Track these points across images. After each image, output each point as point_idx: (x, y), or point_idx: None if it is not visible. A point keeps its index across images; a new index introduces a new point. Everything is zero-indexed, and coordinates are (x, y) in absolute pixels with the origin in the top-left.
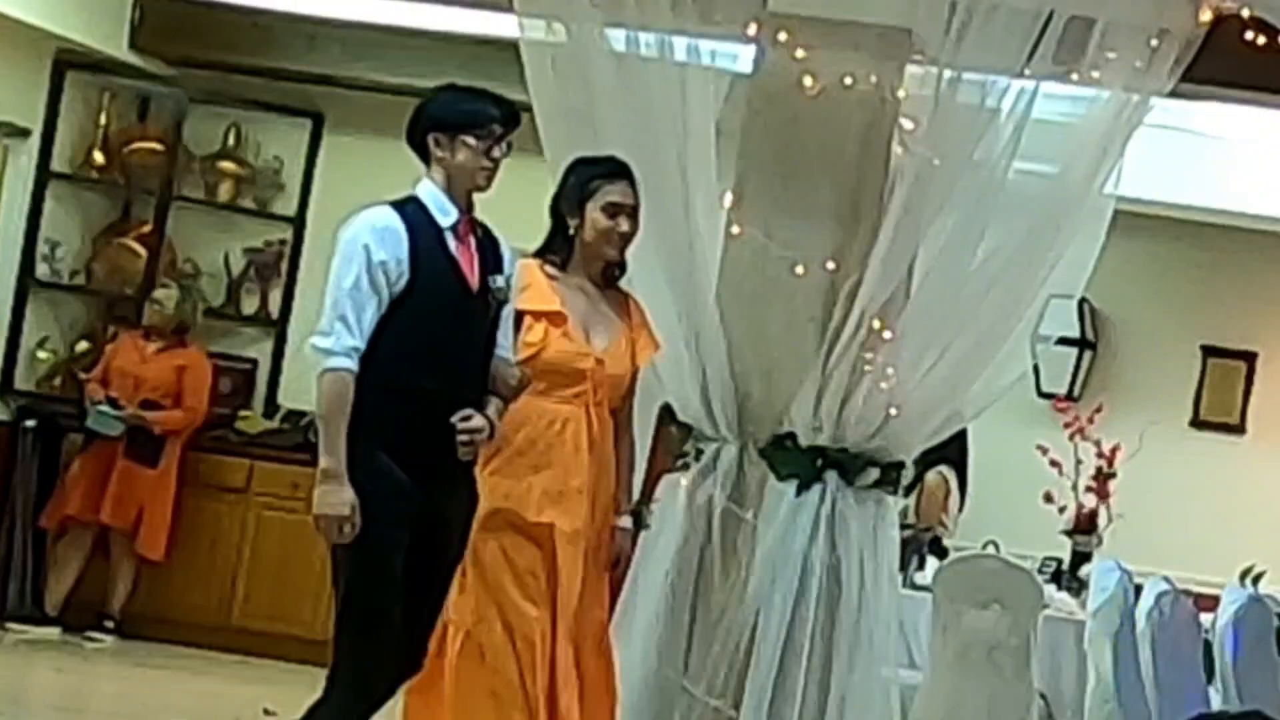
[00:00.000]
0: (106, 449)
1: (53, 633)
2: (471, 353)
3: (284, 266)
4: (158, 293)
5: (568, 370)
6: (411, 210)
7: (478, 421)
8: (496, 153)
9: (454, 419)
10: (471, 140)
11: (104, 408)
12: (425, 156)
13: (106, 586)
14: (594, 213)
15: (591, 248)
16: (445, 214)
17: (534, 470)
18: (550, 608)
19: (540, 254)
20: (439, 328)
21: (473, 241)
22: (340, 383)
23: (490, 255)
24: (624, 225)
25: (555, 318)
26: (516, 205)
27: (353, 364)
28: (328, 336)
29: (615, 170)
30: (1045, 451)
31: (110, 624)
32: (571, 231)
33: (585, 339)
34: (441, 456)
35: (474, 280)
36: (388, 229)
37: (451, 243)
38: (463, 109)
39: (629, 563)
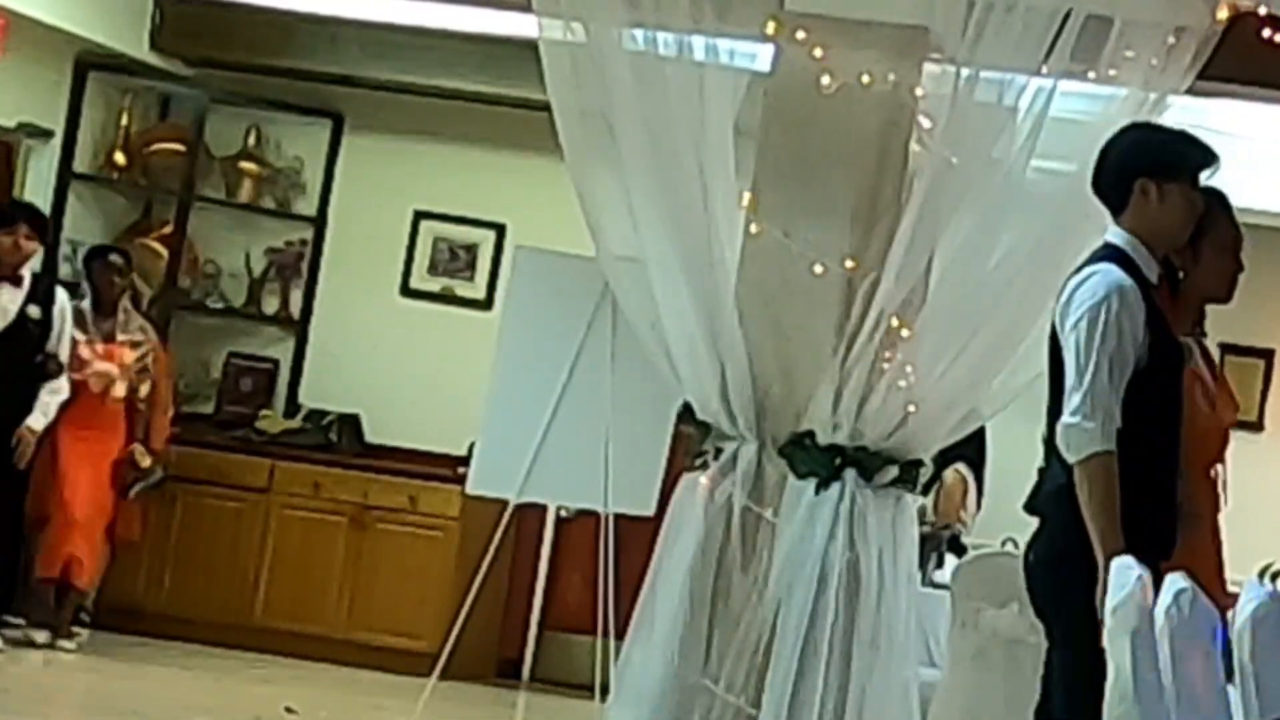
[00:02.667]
0: None
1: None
2: (1177, 425)
3: (305, 266)
4: None
5: (1200, 434)
6: (1123, 265)
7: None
8: (1200, 203)
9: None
10: (1183, 188)
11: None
12: (1118, 202)
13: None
14: (1210, 250)
15: (1199, 292)
16: (1150, 271)
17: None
18: None
19: None
20: (1167, 398)
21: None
22: (1110, 469)
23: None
24: (1239, 263)
25: (1189, 373)
26: (539, 208)
27: (1114, 445)
28: (1091, 419)
29: (1225, 199)
30: None
31: (87, 616)
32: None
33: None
34: (1170, 545)
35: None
36: (1133, 290)
37: (1156, 302)
38: (1182, 152)
39: None
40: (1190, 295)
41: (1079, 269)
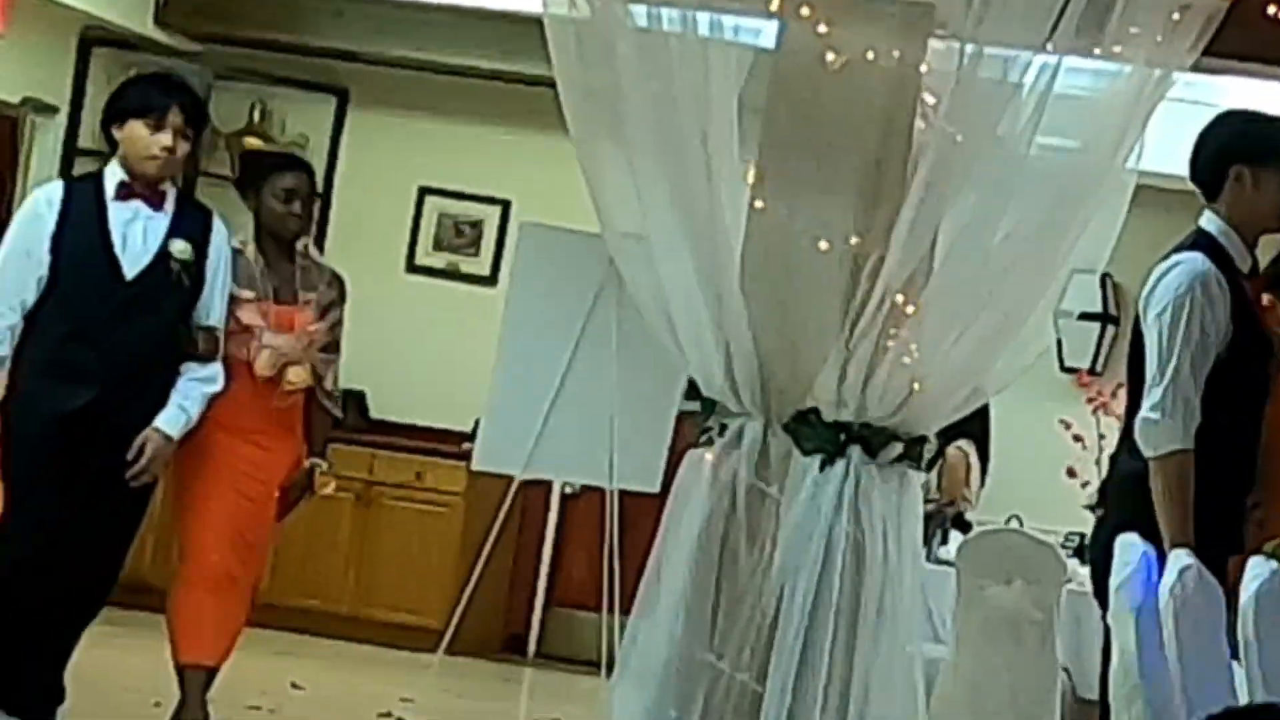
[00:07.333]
0: None
1: None
2: (1257, 420)
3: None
4: None
5: None
6: (1212, 252)
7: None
8: None
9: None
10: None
11: None
12: (1214, 188)
13: None
14: None
15: None
16: (1242, 259)
17: None
18: None
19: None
20: (1246, 391)
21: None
22: (1187, 466)
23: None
24: None
25: None
26: (544, 184)
27: (1192, 443)
28: (1172, 416)
29: None
30: (1068, 426)
31: None
32: None
33: None
34: (1236, 541)
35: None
36: (1216, 279)
37: (1247, 292)
38: (1278, 138)
39: None
40: None
41: (1166, 255)
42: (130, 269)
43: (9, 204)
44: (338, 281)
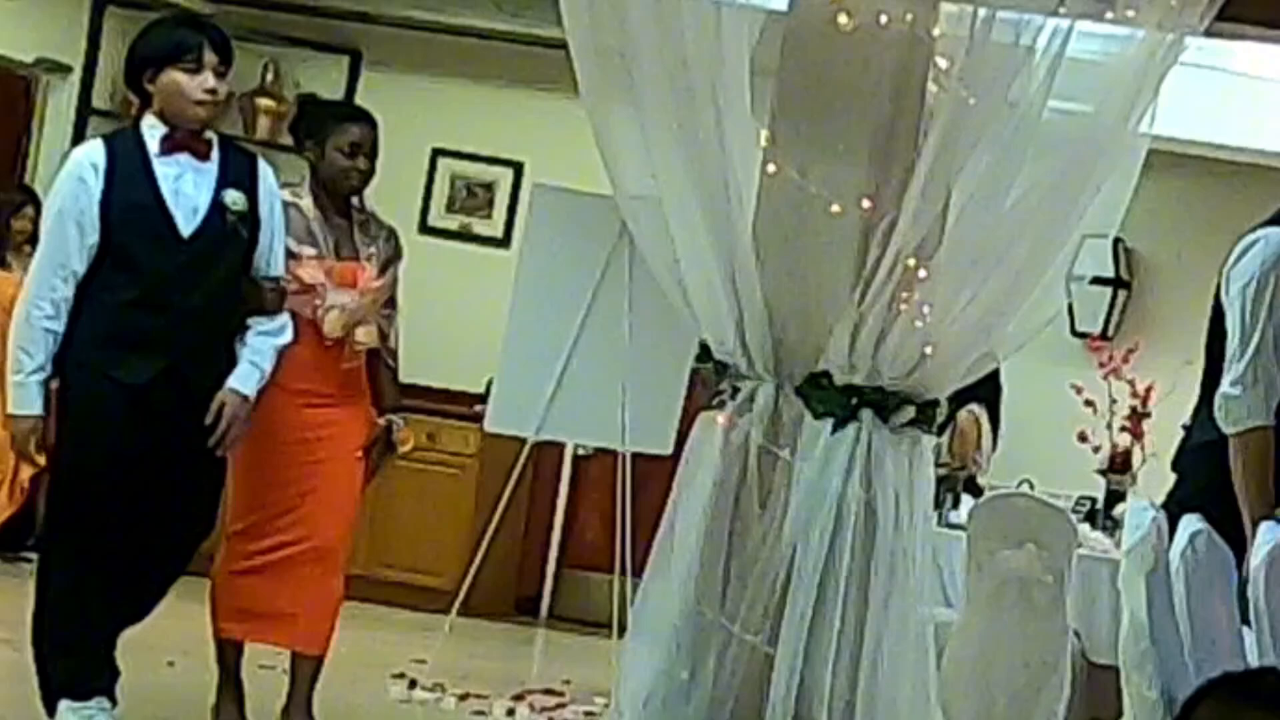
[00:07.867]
0: None
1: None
2: None
3: None
4: None
5: None
6: None
7: None
8: None
9: None
10: None
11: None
12: None
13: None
14: None
15: None
16: None
17: None
18: None
19: None
20: None
21: None
22: (1267, 442)
23: None
24: None
25: None
26: (557, 146)
27: (1272, 419)
28: (1252, 392)
29: None
30: (1079, 391)
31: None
32: None
33: None
34: None
35: None
36: None
37: None
38: None
39: None
40: None
41: (1252, 229)
42: (186, 227)
43: (23, 164)
44: (394, 236)
